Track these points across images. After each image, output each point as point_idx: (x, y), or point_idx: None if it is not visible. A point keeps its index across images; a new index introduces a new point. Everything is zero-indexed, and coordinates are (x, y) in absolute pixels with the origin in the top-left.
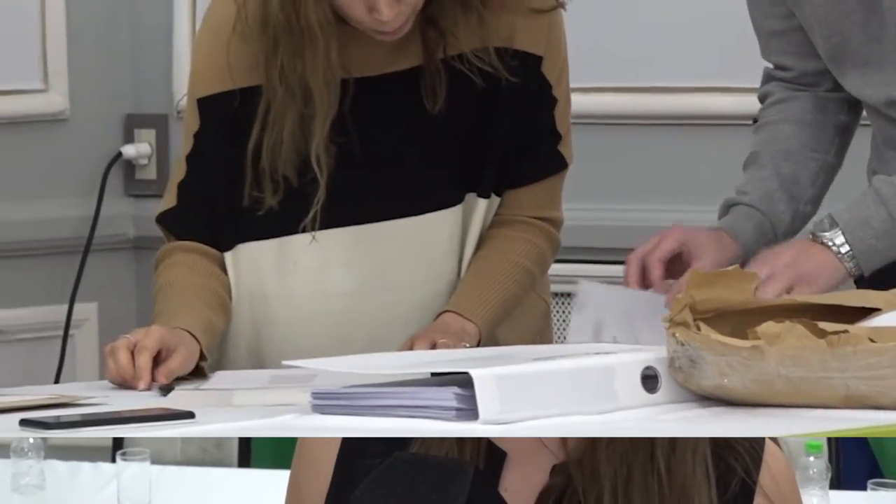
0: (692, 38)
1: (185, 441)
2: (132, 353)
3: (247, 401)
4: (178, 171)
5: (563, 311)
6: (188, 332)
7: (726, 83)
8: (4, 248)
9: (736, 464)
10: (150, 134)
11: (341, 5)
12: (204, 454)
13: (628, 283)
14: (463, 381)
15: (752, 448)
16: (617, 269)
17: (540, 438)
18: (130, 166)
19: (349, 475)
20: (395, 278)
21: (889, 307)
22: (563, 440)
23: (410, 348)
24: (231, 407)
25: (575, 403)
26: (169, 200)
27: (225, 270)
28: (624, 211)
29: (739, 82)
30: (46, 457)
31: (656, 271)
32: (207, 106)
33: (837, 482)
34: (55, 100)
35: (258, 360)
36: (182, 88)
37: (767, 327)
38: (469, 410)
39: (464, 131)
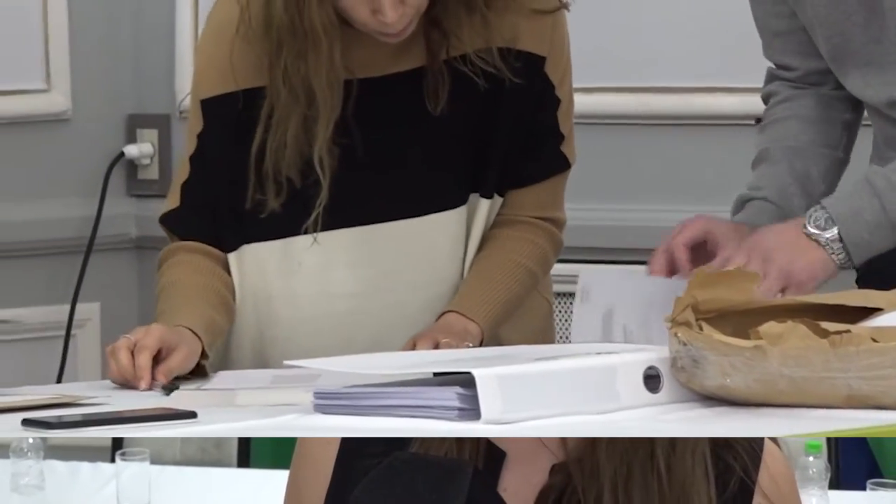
0: (695, 39)
1: (185, 441)
2: (132, 353)
3: (250, 401)
4: (181, 171)
5: (566, 311)
6: (190, 329)
7: (729, 83)
8: (7, 247)
9: (735, 463)
10: (153, 134)
11: (345, 7)
12: (203, 454)
13: (652, 270)
14: (465, 381)
15: (751, 448)
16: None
17: (539, 438)
18: (133, 166)
19: (348, 475)
20: (398, 279)
21: (891, 307)
22: (563, 439)
23: (413, 348)
24: (234, 407)
25: (577, 403)
26: (172, 201)
27: (228, 271)
28: (626, 211)
29: (742, 82)
30: (46, 457)
31: (683, 256)
32: (211, 107)
33: (837, 482)
34: (57, 100)
35: (262, 361)
36: (184, 88)
37: (770, 327)
38: (471, 410)
39: (467, 132)
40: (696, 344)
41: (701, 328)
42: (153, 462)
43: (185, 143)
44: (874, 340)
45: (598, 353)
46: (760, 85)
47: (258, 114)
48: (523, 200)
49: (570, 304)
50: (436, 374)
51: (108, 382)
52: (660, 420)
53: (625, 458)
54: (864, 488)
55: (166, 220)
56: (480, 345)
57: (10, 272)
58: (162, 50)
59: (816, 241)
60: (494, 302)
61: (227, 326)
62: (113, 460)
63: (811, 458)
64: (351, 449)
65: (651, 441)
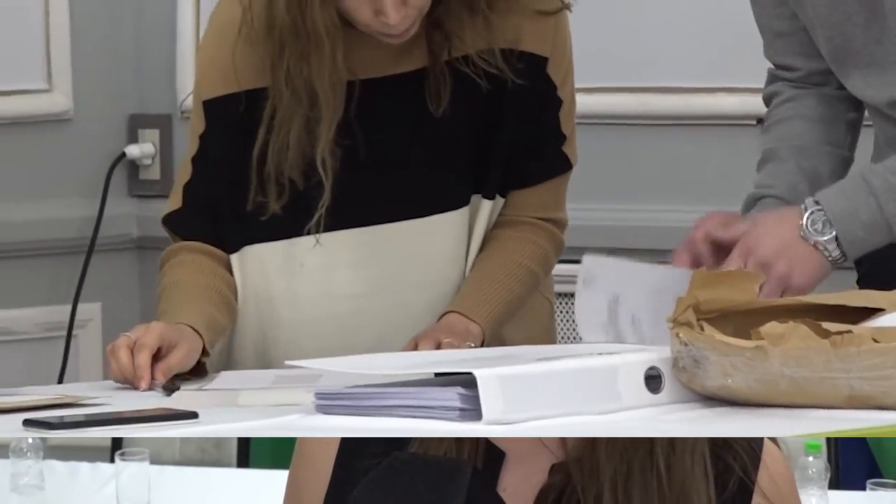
0: (696, 39)
1: (184, 441)
2: (132, 352)
3: (252, 401)
4: (183, 172)
5: (568, 311)
6: (191, 327)
7: (730, 83)
8: (8, 248)
9: (734, 463)
10: (154, 134)
11: (348, 9)
12: (203, 454)
13: (676, 262)
14: (467, 382)
15: (751, 447)
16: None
17: (539, 438)
18: (134, 166)
19: (348, 475)
20: (400, 280)
21: (893, 307)
22: (562, 439)
23: (415, 348)
24: (235, 407)
25: (578, 404)
26: (174, 202)
27: (230, 271)
28: (628, 211)
29: (743, 82)
30: (45, 457)
31: (704, 251)
32: (213, 108)
33: (836, 482)
34: (59, 100)
35: (265, 362)
36: (186, 88)
37: (771, 327)
38: (473, 411)
39: (469, 133)
40: (697, 344)
41: (702, 328)
42: (152, 462)
43: (187, 143)
44: (875, 341)
45: (600, 354)
46: (761, 85)
47: (260, 115)
48: (525, 201)
49: (572, 304)
50: (437, 375)
51: (109, 383)
52: (661, 420)
53: (624, 457)
54: (863, 488)
55: (168, 220)
56: (482, 345)
57: (12, 272)
58: (163, 50)
59: (814, 245)
60: (496, 302)
61: (228, 325)
62: (112, 460)
63: (811, 458)
64: (350, 449)
65: (651, 441)
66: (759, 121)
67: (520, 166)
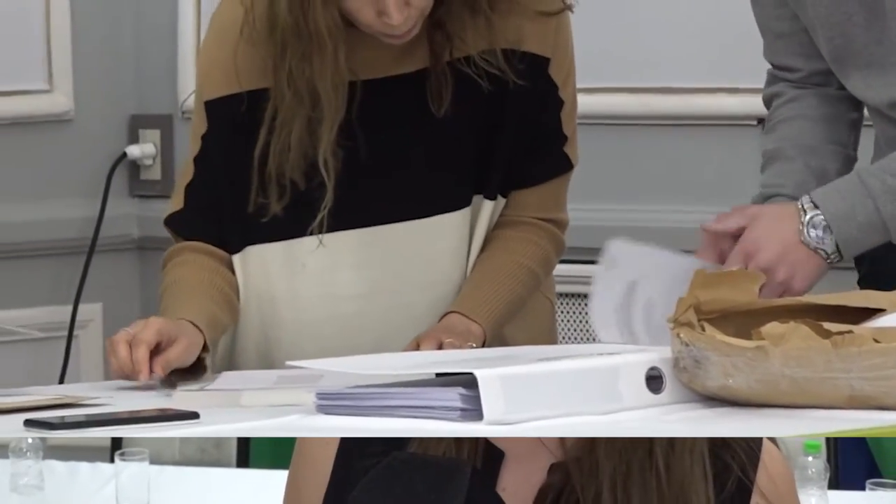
0: (697, 39)
1: (184, 441)
2: (131, 347)
3: (254, 401)
4: (185, 173)
5: (569, 312)
6: (191, 322)
7: (731, 84)
8: (9, 248)
9: (733, 462)
10: (155, 134)
11: (350, 9)
12: (202, 454)
13: (701, 255)
14: (468, 382)
15: (749, 447)
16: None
17: (538, 437)
18: (135, 167)
19: (347, 475)
20: (403, 281)
21: (894, 307)
22: (562, 439)
23: (416, 348)
24: (237, 407)
25: (579, 404)
26: (176, 202)
27: (233, 271)
28: (628, 211)
29: (745, 83)
30: (45, 457)
31: (727, 246)
32: (215, 108)
33: (836, 482)
34: (59, 100)
35: (267, 363)
36: (186, 89)
37: (772, 328)
38: (474, 411)
39: (470, 134)
40: (698, 344)
41: (703, 329)
42: (152, 462)
43: (187, 144)
44: (876, 341)
45: (601, 354)
46: (762, 85)
47: (262, 116)
48: (526, 201)
49: (573, 304)
50: (438, 375)
51: (110, 383)
52: (662, 420)
53: (623, 456)
54: (863, 488)
55: (170, 221)
56: (483, 345)
57: (13, 273)
58: (164, 50)
59: (814, 249)
60: (497, 303)
61: (230, 323)
62: (112, 460)
63: (810, 458)
64: (350, 449)
65: (650, 440)
66: (760, 121)
67: (521, 167)
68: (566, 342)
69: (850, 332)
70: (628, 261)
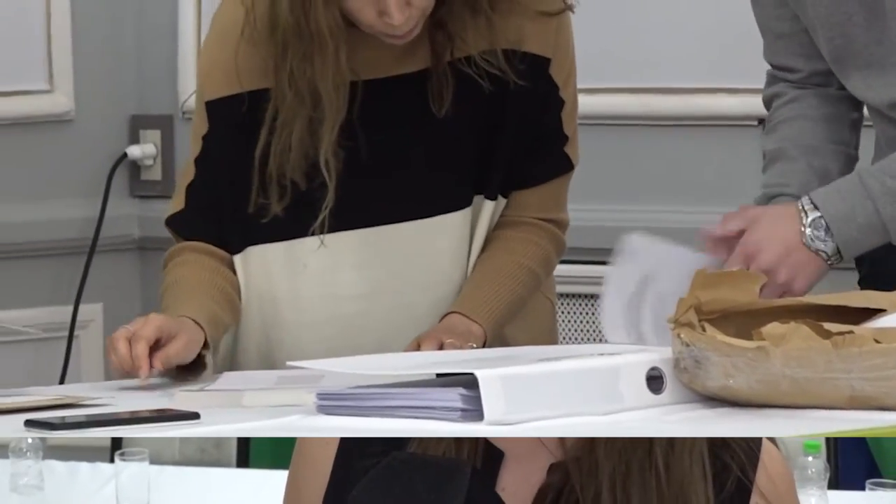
0: (698, 39)
1: (184, 441)
2: (130, 343)
3: (257, 401)
4: (186, 173)
5: (569, 312)
6: (191, 319)
7: (732, 84)
8: (9, 248)
9: (732, 462)
10: (156, 135)
11: (351, 10)
12: (202, 454)
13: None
14: (468, 382)
15: (749, 447)
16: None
17: (538, 437)
18: (136, 167)
19: (347, 475)
20: (404, 281)
21: (894, 308)
22: (561, 439)
23: (417, 349)
24: (238, 408)
25: (580, 404)
26: (177, 203)
27: (234, 271)
28: (629, 212)
29: (745, 83)
30: (45, 457)
31: (734, 245)
32: (216, 109)
33: (836, 482)
34: (60, 100)
35: (269, 364)
36: (187, 89)
37: (773, 328)
38: (474, 411)
39: (471, 134)
40: (698, 345)
41: (704, 329)
42: (152, 462)
43: (188, 144)
44: (877, 341)
45: (601, 354)
46: (762, 86)
47: (263, 116)
48: (527, 201)
49: (574, 305)
50: (439, 375)
51: (111, 383)
52: (663, 421)
53: (623, 456)
54: (863, 488)
55: (172, 222)
56: (484, 346)
57: (13, 273)
58: (165, 51)
59: (815, 251)
60: (497, 303)
61: (231, 323)
62: (112, 460)
63: (810, 458)
64: (350, 449)
65: (649, 440)
66: (761, 121)
67: (522, 167)
68: (567, 342)
69: (850, 332)
70: (645, 255)
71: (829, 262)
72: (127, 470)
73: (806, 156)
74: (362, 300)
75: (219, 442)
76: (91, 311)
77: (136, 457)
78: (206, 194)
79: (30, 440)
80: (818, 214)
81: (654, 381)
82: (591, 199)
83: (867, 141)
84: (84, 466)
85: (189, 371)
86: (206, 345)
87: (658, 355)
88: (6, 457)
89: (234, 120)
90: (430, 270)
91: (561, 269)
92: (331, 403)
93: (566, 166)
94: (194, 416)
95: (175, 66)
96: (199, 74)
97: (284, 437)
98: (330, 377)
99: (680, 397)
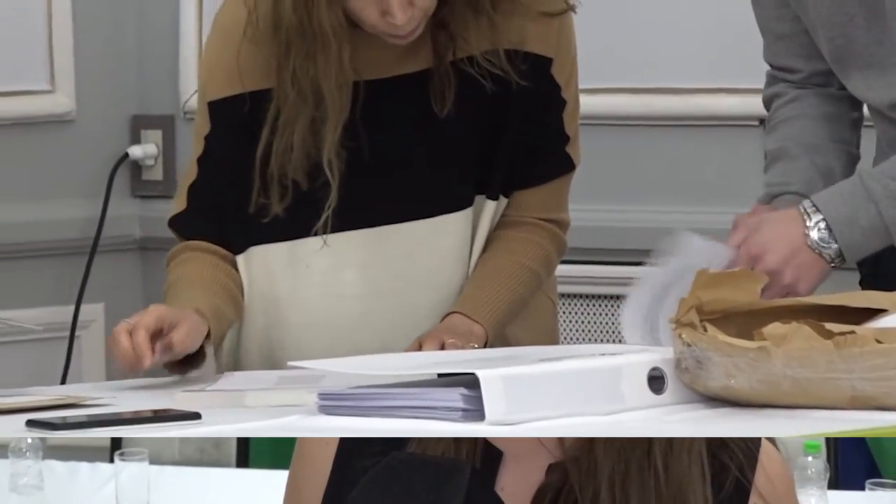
0: (698, 39)
1: (184, 441)
2: (131, 335)
3: (259, 401)
4: (188, 173)
5: (570, 312)
6: (194, 311)
7: (733, 84)
8: (11, 248)
9: (730, 462)
10: (157, 135)
11: (354, 9)
12: (202, 454)
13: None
14: (469, 382)
15: (747, 447)
16: (623, 270)
17: (537, 437)
18: (137, 167)
19: (346, 475)
20: (405, 281)
21: (895, 308)
22: (560, 438)
23: (418, 349)
24: (240, 408)
25: (581, 404)
26: (179, 203)
27: (236, 269)
28: (630, 212)
29: (746, 83)
30: (45, 457)
31: None
32: (218, 109)
33: (836, 482)
34: (61, 101)
35: (271, 364)
36: (188, 89)
37: (774, 328)
38: (476, 411)
39: (473, 134)
40: (700, 345)
41: (705, 329)
42: (152, 462)
43: (189, 144)
44: (878, 342)
45: (603, 354)
46: (762, 86)
47: (265, 116)
48: (528, 202)
49: (575, 305)
50: (440, 375)
51: (113, 383)
52: (664, 421)
53: (622, 456)
54: (862, 488)
55: (174, 222)
56: (485, 346)
57: (15, 273)
58: (166, 51)
59: (819, 253)
60: (499, 303)
61: (234, 318)
62: (112, 460)
63: (810, 458)
64: (349, 449)
65: (648, 440)
66: (762, 122)
67: (523, 167)
68: (568, 342)
69: (852, 332)
70: (690, 251)
71: (832, 264)
72: (126, 470)
73: (808, 154)
74: (364, 300)
75: (218, 442)
76: (92, 311)
77: (136, 457)
78: (207, 194)
79: (29, 440)
80: (821, 217)
81: (656, 381)
82: (593, 200)
83: (868, 141)
84: (84, 466)
85: (191, 363)
86: (208, 335)
87: (659, 355)
88: (6, 457)
89: (236, 120)
90: (432, 270)
91: (562, 269)
92: (332, 403)
93: (567, 166)
94: (195, 416)
95: (176, 66)
96: (201, 75)
97: (285, 437)
98: (331, 377)
99: (681, 397)
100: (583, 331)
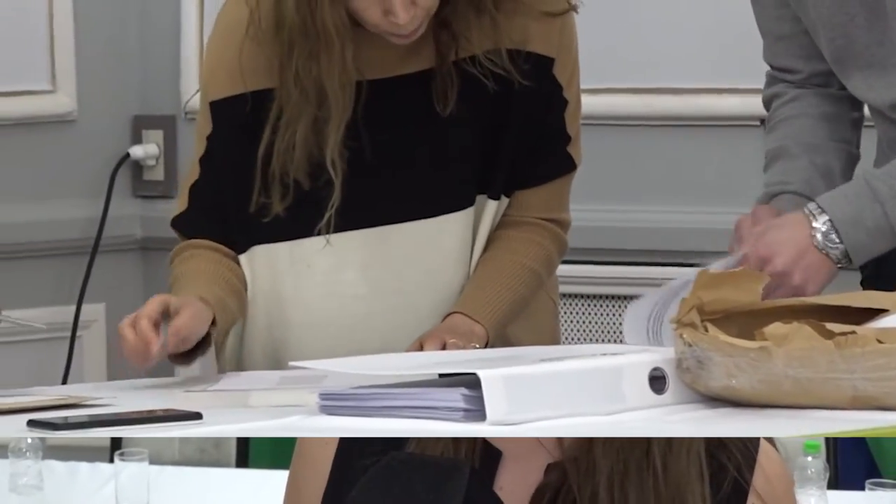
0: (700, 39)
1: (183, 441)
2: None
3: (263, 401)
4: (190, 173)
5: (571, 313)
6: (199, 298)
7: (734, 84)
8: (12, 248)
9: (728, 463)
10: (158, 135)
11: (357, 8)
12: (202, 454)
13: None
14: (471, 382)
15: (745, 447)
16: (624, 270)
17: (536, 437)
18: (138, 167)
19: (346, 475)
20: (406, 281)
21: None
22: (559, 438)
23: (419, 349)
24: (241, 408)
25: (582, 404)
26: (181, 203)
27: (240, 266)
28: (631, 212)
29: (747, 83)
30: (44, 457)
31: None
32: (220, 109)
33: (835, 482)
34: (63, 101)
35: (274, 364)
36: (189, 89)
37: (775, 328)
38: (477, 411)
39: (475, 134)
40: (701, 345)
41: (706, 329)
42: (152, 462)
43: (190, 144)
44: (879, 342)
45: (604, 354)
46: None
47: (267, 116)
48: (529, 201)
49: (576, 305)
50: (441, 376)
51: (114, 383)
52: (665, 421)
53: (620, 456)
54: (862, 488)
55: (176, 223)
56: (486, 346)
57: (16, 273)
58: (167, 51)
59: (826, 254)
60: (500, 304)
61: (237, 312)
62: (111, 460)
63: (810, 458)
64: (349, 449)
65: (647, 440)
66: (763, 122)
67: (525, 166)
68: (569, 342)
69: (853, 332)
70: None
71: (838, 265)
72: (126, 470)
73: (807, 153)
74: (365, 301)
75: (218, 442)
76: (94, 311)
77: (136, 457)
78: (210, 194)
79: (29, 440)
80: (826, 218)
81: (657, 381)
82: (594, 200)
83: (868, 141)
84: (83, 466)
85: (196, 352)
86: (214, 324)
87: (660, 355)
88: (5, 457)
89: (237, 120)
90: (433, 270)
91: (563, 269)
92: (333, 404)
93: (569, 166)
94: (197, 416)
95: (178, 66)
96: (203, 74)
97: (285, 437)
98: (332, 377)
99: (682, 397)
100: (584, 331)
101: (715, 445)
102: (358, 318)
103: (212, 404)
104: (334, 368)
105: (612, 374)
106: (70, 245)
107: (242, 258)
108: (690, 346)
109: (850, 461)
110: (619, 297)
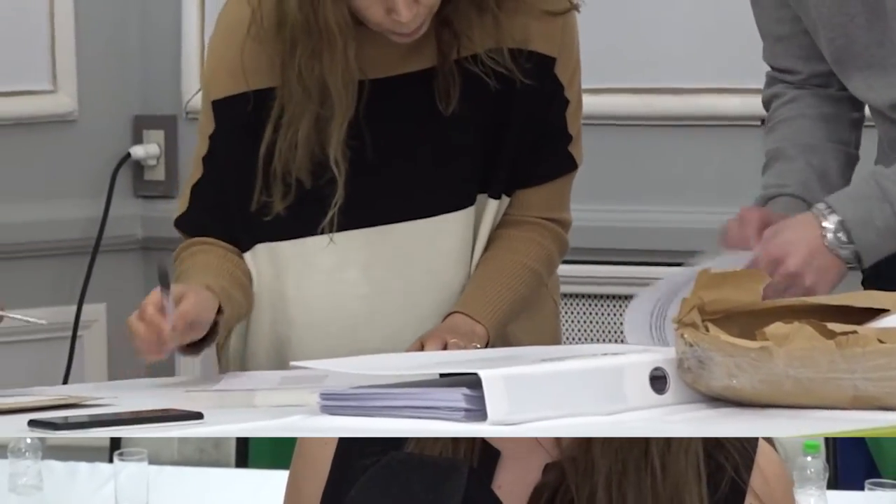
0: (701, 39)
1: (183, 441)
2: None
3: (267, 401)
4: (193, 172)
5: (572, 312)
6: (205, 287)
7: (735, 84)
8: (13, 248)
9: (726, 463)
10: (159, 135)
11: (359, 7)
12: (201, 454)
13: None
14: (472, 382)
15: (743, 448)
16: (625, 270)
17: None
18: (139, 167)
19: (345, 475)
20: (407, 281)
21: None
22: (558, 438)
23: (420, 349)
24: (244, 407)
25: (583, 404)
26: (184, 203)
27: (245, 262)
28: (631, 212)
29: (748, 83)
30: (44, 457)
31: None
32: (222, 108)
33: (835, 482)
34: (64, 101)
35: (277, 363)
36: (190, 89)
37: (776, 328)
38: (478, 411)
39: (477, 132)
40: (702, 345)
41: (707, 329)
42: (151, 462)
43: (191, 144)
44: (880, 341)
45: (605, 354)
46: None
47: (269, 115)
48: (530, 201)
49: (577, 305)
50: (442, 375)
51: (115, 383)
52: (666, 421)
53: (619, 455)
54: (862, 488)
55: (180, 222)
56: (487, 346)
57: (17, 273)
58: (168, 51)
59: (836, 254)
60: (500, 303)
61: (243, 304)
62: (111, 460)
63: (809, 458)
64: (348, 449)
65: (646, 439)
66: (763, 122)
67: (526, 166)
68: (570, 342)
69: (854, 332)
70: (719, 260)
71: (849, 265)
72: (126, 470)
73: (804, 154)
74: (366, 300)
75: (217, 442)
76: (94, 311)
77: (135, 457)
78: (212, 193)
79: (29, 440)
80: (836, 218)
81: (658, 381)
82: (594, 199)
83: (869, 141)
84: (83, 466)
85: (205, 341)
86: (220, 312)
87: (661, 355)
88: (5, 457)
89: (240, 119)
90: (434, 270)
91: (564, 269)
92: (334, 403)
93: (570, 165)
94: (197, 415)
95: (178, 65)
96: (205, 74)
97: (285, 437)
98: (333, 377)
99: (683, 397)
100: (584, 331)
101: (713, 445)
102: (359, 318)
103: (213, 404)
104: (335, 368)
105: (613, 374)
106: (71, 245)
107: (246, 256)
108: (691, 345)
109: (850, 461)
110: (619, 297)
